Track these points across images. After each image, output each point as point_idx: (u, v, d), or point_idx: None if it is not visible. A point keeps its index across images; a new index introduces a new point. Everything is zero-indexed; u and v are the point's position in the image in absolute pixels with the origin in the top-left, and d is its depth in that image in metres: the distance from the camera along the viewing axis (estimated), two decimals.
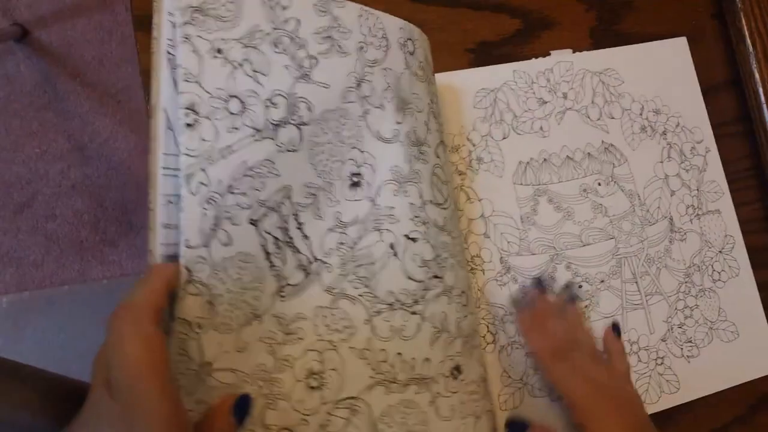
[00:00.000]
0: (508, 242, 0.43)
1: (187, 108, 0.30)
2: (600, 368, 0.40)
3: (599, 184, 0.46)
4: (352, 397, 0.33)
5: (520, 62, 0.46)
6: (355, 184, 0.34)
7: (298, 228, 0.33)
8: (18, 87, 1.16)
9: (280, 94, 0.32)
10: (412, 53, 0.38)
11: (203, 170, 0.30)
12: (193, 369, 0.29)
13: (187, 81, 0.30)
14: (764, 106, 0.49)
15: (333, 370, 0.32)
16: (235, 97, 0.31)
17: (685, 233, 0.47)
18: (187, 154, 0.29)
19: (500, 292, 0.43)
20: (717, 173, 0.49)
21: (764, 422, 0.46)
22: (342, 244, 0.34)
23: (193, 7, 0.30)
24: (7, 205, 1.14)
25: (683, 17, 0.52)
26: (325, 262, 0.33)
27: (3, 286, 1.12)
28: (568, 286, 0.44)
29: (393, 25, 0.37)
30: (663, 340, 0.45)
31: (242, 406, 0.30)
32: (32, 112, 1.16)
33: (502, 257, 0.43)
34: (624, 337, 0.44)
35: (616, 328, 0.44)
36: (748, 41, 0.49)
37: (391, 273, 0.34)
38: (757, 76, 0.49)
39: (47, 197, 1.14)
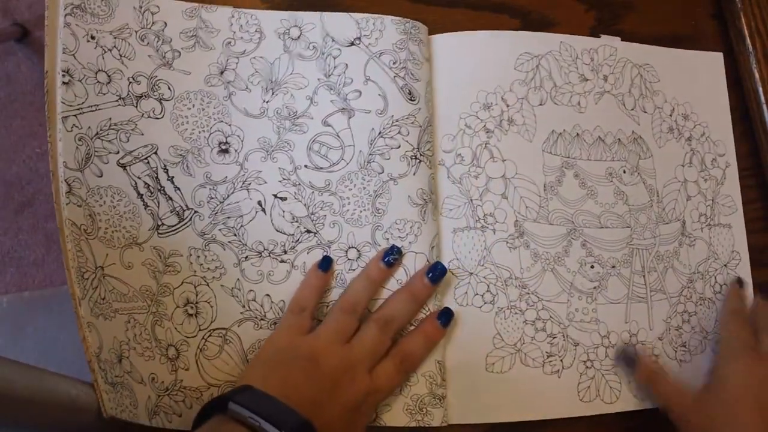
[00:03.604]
0: (527, 207, 0.44)
1: (64, 71, 0.38)
2: None
3: (624, 172, 0.47)
4: (225, 328, 0.39)
5: (568, 35, 0.47)
6: (224, 151, 0.41)
7: (169, 180, 0.40)
8: (18, 87, 1.16)
9: (142, 75, 0.40)
10: (296, 38, 0.43)
11: (75, 116, 0.38)
12: (91, 268, 0.37)
13: (64, 53, 0.38)
14: (764, 106, 0.49)
15: (206, 302, 0.39)
16: (103, 71, 0.39)
17: (694, 239, 0.47)
18: (63, 103, 0.38)
19: (509, 254, 0.43)
20: (733, 189, 0.49)
21: None
22: (212, 198, 0.40)
23: (73, 4, 0.39)
24: (8, 205, 1.14)
25: (683, 17, 0.52)
26: (197, 211, 0.40)
27: (3, 286, 1.12)
28: None
29: (273, 19, 0.43)
30: (660, 338, 0.45)
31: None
32: (33, 112, 1.16)
33: (517, 220, 0.43)
34: (625, 327, 0.44)
35: None
36: (748, 41, 0.50)
37: (258, 225, 0.41)
38: (757, 76, 0.49)
39: (48, 197, 1.14)
